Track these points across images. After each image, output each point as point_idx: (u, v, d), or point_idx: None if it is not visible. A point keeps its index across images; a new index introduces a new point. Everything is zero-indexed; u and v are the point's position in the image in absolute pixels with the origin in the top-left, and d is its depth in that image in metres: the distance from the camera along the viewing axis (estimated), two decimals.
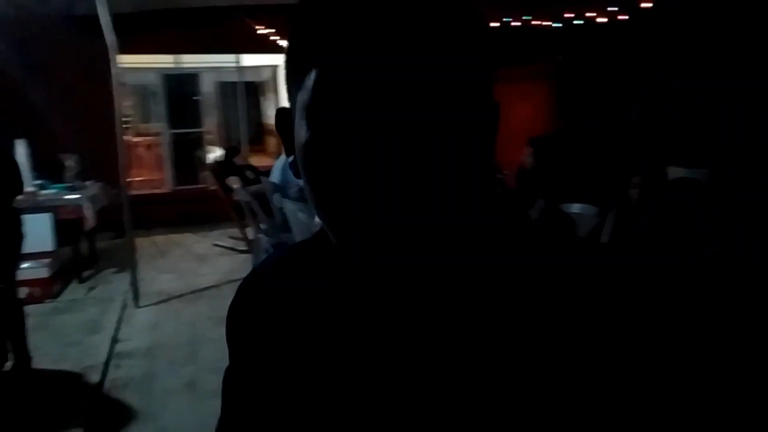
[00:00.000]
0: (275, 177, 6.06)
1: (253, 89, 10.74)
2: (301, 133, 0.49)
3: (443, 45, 0.45)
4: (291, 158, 0.53)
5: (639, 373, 0.46)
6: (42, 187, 5.54)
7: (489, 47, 0.50)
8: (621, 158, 4.13)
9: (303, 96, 0.48)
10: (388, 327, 0.52)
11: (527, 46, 6.00)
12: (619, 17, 4.70)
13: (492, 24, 5.44)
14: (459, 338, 0.49)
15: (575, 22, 4.93)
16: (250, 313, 0.63)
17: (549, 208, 4.06)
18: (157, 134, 8.99)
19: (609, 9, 4.67)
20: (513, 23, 5.41)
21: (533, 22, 5.25)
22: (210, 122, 9.25)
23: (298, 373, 0.56)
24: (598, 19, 4.84)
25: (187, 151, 8.73)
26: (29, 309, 3.77)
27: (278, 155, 9.66)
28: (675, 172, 4.34)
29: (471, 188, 0.48)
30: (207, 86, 9.37)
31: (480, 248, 0.52)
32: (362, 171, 0.45)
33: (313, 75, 0.46)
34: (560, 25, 5.17)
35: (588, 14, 4.87)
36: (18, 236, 3.48)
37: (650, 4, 4.30)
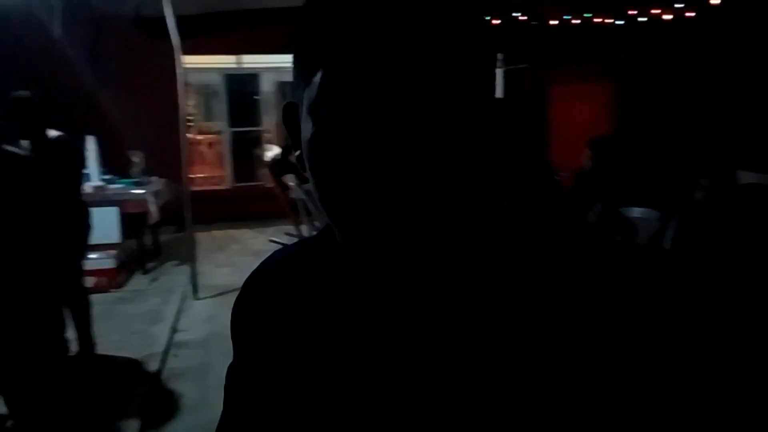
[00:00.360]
0: None
1: None
2: (306, 129, 0.50)
3: (444, 45, 0.46)
4: (298, 153, 0.54)
5: (636, 374, 0.45)
6: (110, 181, 5.81)
7: (490, 47, 0.51)
8: (685, 160, 3.95)
9: (310, 93, 0.49)
10: (388, 327, 0.52)
11: (588, 44, 5.83)
12: (687, 14, 4.50)
13: (552, 22, 5.33)
14: (457, 338, 0.49)
15: (639, 19, 4.75)
16: (254, 310, 0.63)
17: (607, 211, 3.94)
18: (218, 133, 9.26)
19: (676, 6, 4.48)
20: (573, 21, 5.28)
21: (595, 20, 5.10)
22: (269, 121, 9.45)
23: (298, 371, 0.56)
24: (664, 16, 4.65)
25: (246, 149, 8.96)
26: (95, 298, 3.95)
27: None
28: (746, 177, 4.14)
29: (471, 188, 0.48)
30: (267, 86, 9.57)
31: (479, 248, 0.52)
32: (362, 171, 0.46)
33: (318, 75, 0.47)
34: (623, 22, 5.00)
35: (653, 11, 4.69)
36: (86, 227, 3.65)
37: (719, 0, 4.10)
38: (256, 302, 0.64)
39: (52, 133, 3.46)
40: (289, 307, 0.59)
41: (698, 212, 3.07)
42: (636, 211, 3.80)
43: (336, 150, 0.47)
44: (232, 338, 0.68)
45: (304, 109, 0.50)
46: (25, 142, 3.26)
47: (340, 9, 0.47)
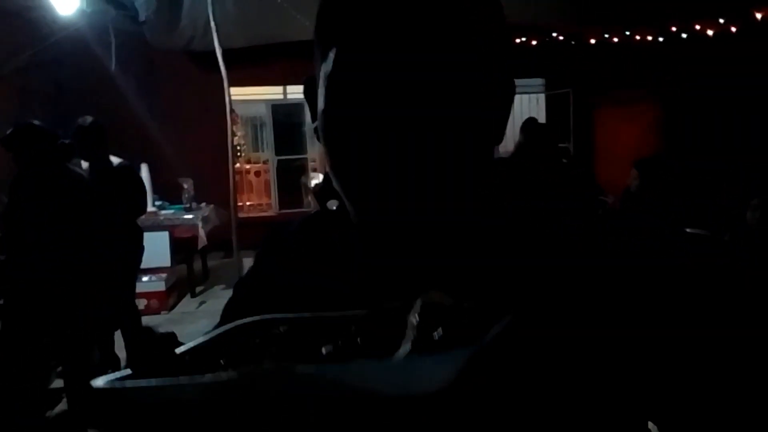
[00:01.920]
0: None
1: None
2: (321, 100, 0.53)
3: (445, 44, 0.48)
4: (315, 124, 0.57)
5: (634, 373, 0.45)
6: (161, 207, 6.02)
7: (495, 48, 0.52)
8: (735, 181, 3.83)
9: (326, 68, 0.52)
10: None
11: (631, 64, 5.75)
12: (730, 28, 4.37)
13: (591, 41, 5.26)
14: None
15: (682, 35, 4.66)
16: (252, 301, 0.64)
17: None
18: (265, 162, 9.49)
19: (719, 20, 4.37)
20: (613, 38, 5.20)
21: (636, 38, 5.02)
22: (314, 150, 9.63)
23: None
24: (707, 32, 4.54)
25: (292, 177, 9.15)
26: (146, 319, 4.08)
27: None
28: None
29: (466, 186, 0.50)
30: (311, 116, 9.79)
31: (475, 247, 0.52)
32: (361, 165, 0.49)
33: (333, 52, 0.51)
34: (664, 39, 4.91)
35: (696, 26, 4.59)
36: (139, 250, 3.80)
37: (761, 16, 3.96)
38: (255, 293, 0.65)
39: (114, 159, 3.66)
40: (287, 298, 0.59)
41: (750, 232, 2.96)
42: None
43: (345, 120, 0.50)
44: (221, 321, 0.67)
45: (320, 82, 0.54)
46: (86, 164, 3.45)
47: None
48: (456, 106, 0.48)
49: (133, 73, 6.67)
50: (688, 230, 2.62)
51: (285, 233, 0.70)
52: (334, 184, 0.55)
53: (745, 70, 4.46)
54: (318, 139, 0.56)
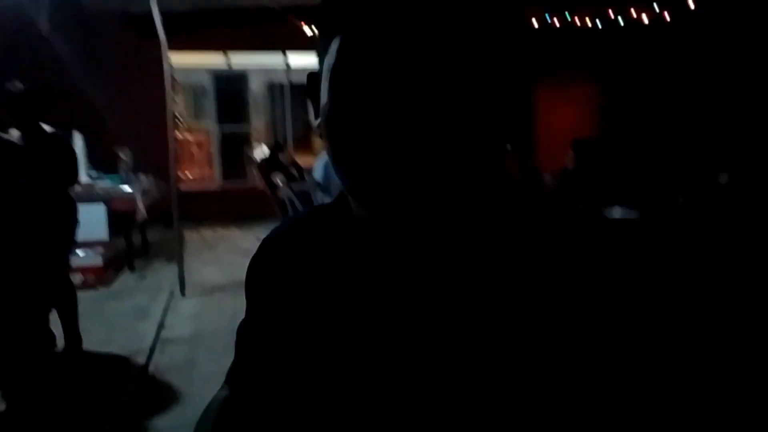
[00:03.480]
0: (318, 175, 6.17)
1: (301, 90, 10.94)
2: (324, 95, 0.52)
3: (453, 32, 0.47)
4: (318, 121, 0.55)
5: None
6: (97, 178, 5.80)
7: (507, 30, 0.52)
8: (667, 163, 4.02)
9: (329, 60, 0.51)
10: (397, 289, 0.54)
11: (571, 47, 5.91)
12: (664, 16, 4.55)
13: (533, 23, 5.36)
14: (463, 306, 0.51)
15: (619, 20, 4.81)
16: (269, 270, 0.66)
17: (590, 212, 4.00)
18: (206, 132, 9.26)
19: (653, 8, 4.53)
20: (554, 23, 5.31)
21: (576, 22, 5.15)
22: (258, 121, 9.47)
23: (310, 327, 0.58)
24: (643, 18, 4.70)
25: (235, 148, 8.98)
26: (82, 294, 3.96)
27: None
28: (725, 179, 4.20)
29: (476, 180, 0.50)
30: (256, 86, 9.59)
31: (485, 217, 0.54)
32: (370, 161, 0.49)
33: (336, 42, 0.50)
34: (603, 24, 5.06)
35: (632, 13, 4.74)
36: (73, 222, 3.66)
37: (694, 5, 4.15)
38: (272, 262, 0.66)
39: (46, 128, 3.49)
40: (305, 265, 0.61)
41: (678, 214, 3.13)
42: (617, 212, 3.86)
43: (351, 116, 0.49)
44: (247, 295, 0.70)
45: (323, 76, 0.52)
46: (16, 133, 3.28)
47: None
48: (465, 96, 0.47)
49: (67, 37, 6.32)
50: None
51: (283, 237, 0.69)
52: (338, 178, 0.54)
53: (679, 56, 4.66)
54: (320, 136, 0.55)
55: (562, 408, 0.47)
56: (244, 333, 0.70)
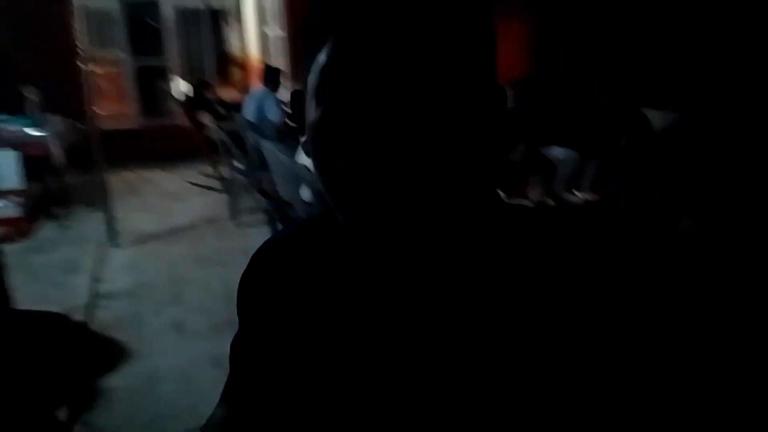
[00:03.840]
0: (249, 114, 5.92)
1: (216, 16, 10.27)
2: (311, 112, 0.50)
3: (449, 29, 0.46)
4: (304, 138, 0.54)
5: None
6: (3, 121, 5.30)
7: (495, 34, 0.52)
8: (604, 102, 4.13)
9: (315, 71, 0.49)
10: (395, 293, 0.55)
11: None
12: None
13: None
14: (456, 319, 0.52)
15: None
16: (264, 285, 0.66)
17: (529, 152, 4.11)
18: (116, 64, 8.58)
19: None
20: None
21: None
22: (172, 52, 8.86)
23: (309, 336, 0.59)
24: None
25: (150, 82, 8.39)
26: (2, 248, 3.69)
27: (245, 89, 9.40)
28: (651, 115, 4.36)
29: (469, 174, 0.50)
30: (167, 13, 8.90)
31: (474, 232, 0.54)
32: (368, 156, 0.47)
33: (323, 54, 0.48)
34: None
35: None
36: None
37: None
38: (267, 277, 0.66)
39: None
40: (299, 278, 0.62)
41: (617, 156, 3.28)
42: (557, 152, 3.98)
43: (341, 133, 0.48)
44: (239, 311, 0.69)
45: (308, 92, 0.51)
46: None
47: None
48: (461, 93, 0.47)
49: None
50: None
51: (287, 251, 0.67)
52: (327, 189, 0.52)
53: None
54: (307, 154, 0.54)
55: (562, 408, 0.48)
56: (240, 349, 0.70)
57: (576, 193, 3.21)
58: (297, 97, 0.55)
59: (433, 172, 0.47)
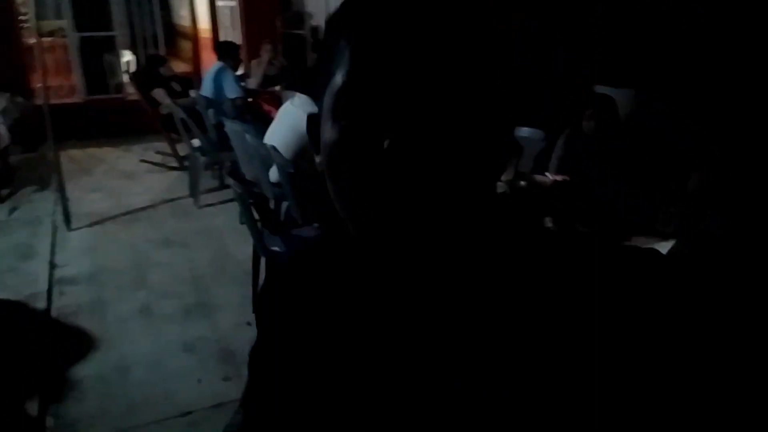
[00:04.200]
0: (207, 91, 5.73)
1: None
2: (326, 132, 0.50)
3: (467, 49, 0.47)
4: (318, 159, 0.54)
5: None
6: None
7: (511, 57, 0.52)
8: (574, 81, 4.17)
9: (331, 92, 0.50)
10: (398, 294, 0.55)
11: None
12: None
13: None
14: (465, 329, 0.52)
15: None
16: (283, 297, 0.67)
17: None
18: (60, 35, 8.13)
19: None
20: None
21: None
22: (120, 24, 8.44)
23: (319, 354, 0.59)
24: None
25: (97, 55, 7.98)
26: None
27: (194, 62, 9.08)
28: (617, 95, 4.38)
29: (481, 189, 0.51)
30: None
31: (474, 233, 0.54)
32: (385, 179, 0.47)
33: (338, 75, 0.48)
34: None
35: None
36: None
37: None
38: (286, 289, 0.67)
39: None
40: (315, 295, 0.62)
41: (583, 138, 3.33)
42: (523, 131, 4.02)
43: (361, 151, 0.48)
44: (259, 322, 0.71)
45: (324, 112, 0.51)
46: None
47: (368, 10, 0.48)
48: (478, 117, 0.47)
49: None
50: None
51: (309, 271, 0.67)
52: (341, 210, 0.52)
53: None
54: (321, 173, 0.54)
55: (562, 408, 0.48)
56: (258, 358, 0.71)
57: (547, 174, 3.26)
58: (313, 121, 0.55)
59: (449, 190, 0.47)
